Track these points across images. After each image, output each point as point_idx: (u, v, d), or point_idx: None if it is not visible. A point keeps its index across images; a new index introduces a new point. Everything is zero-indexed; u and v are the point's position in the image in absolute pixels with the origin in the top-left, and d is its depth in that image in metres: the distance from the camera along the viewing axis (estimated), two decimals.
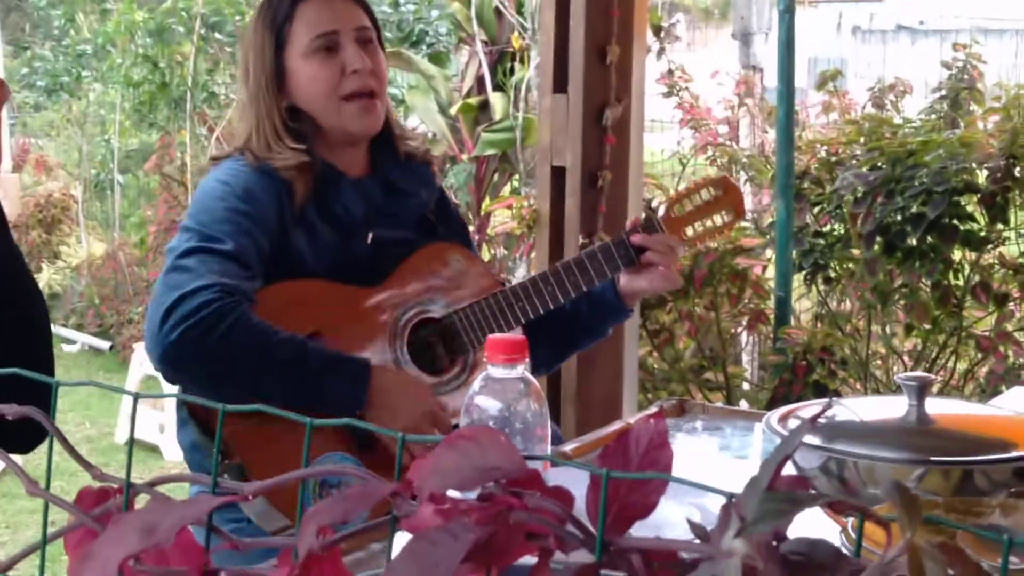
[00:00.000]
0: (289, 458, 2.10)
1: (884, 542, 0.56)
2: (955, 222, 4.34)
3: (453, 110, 6.65)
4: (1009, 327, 4.46)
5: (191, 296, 2.05)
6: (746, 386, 5.01)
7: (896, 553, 0.54)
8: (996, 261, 4.53)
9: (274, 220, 2.26)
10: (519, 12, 6.45)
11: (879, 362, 4.83)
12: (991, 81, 5.37)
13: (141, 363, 6.30)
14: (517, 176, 6.63)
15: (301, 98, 2.35)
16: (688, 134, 6.10)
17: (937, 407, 1.51)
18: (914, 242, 4.38)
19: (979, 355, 4.57)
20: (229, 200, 2.23)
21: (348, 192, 2.37)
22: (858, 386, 4.59)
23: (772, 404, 4.15)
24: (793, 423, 1.52)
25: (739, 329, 4.97)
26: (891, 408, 1.51)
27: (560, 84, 3.76)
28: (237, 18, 8.08)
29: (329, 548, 0.71)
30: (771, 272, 4.73)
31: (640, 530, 0.70)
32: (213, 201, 2.24)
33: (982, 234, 4.41)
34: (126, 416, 6.11)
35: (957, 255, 4.49)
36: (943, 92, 5.25)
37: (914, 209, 4.32)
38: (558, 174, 3.79)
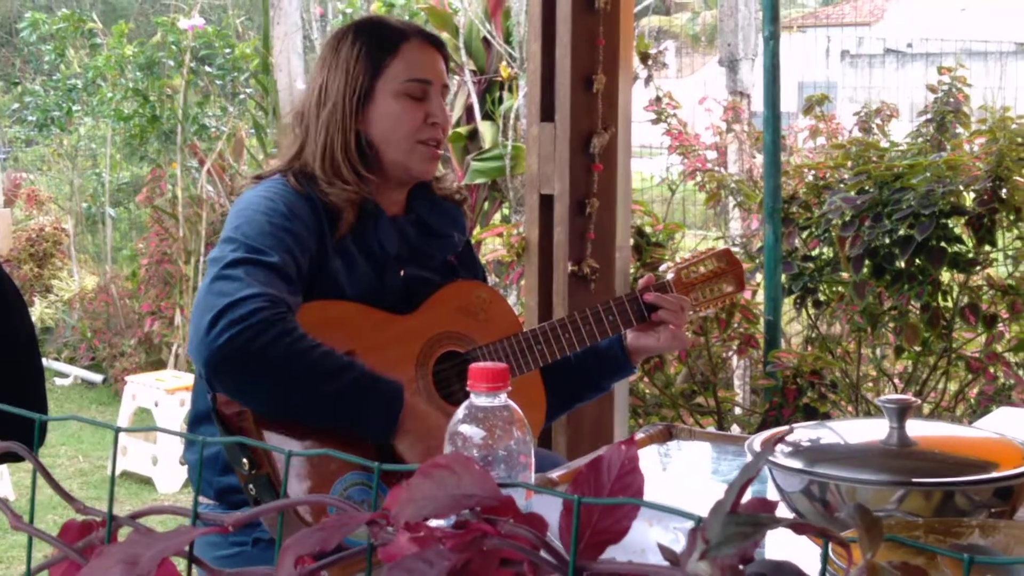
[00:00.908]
0: (319, 470, 2.12)
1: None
2: (943, 244, 4.36)
3: None
4: (998, 348, 4.48)
5: (241, 303, 2.08)
6: (738, 410, 5.02)
7: (857, 574, 0.55)
8: (984, 282, 4.54)
9: (314, 242, 2.30)
10: (507, 41, 6.48)
11: (870, 384, 4.85)
12: (977, 104, 5.39)
13: (133, 396, 6.30)
14: (507, 204, 6.64)
15: (377, 130, 2.41)
16: (677, 160, 6.13)
17: (918, 429, 1.53)
18: (902, 265, 4.39)
19: (969, 376, 4.58)
20: (273, 216, 2.27)
21: (385, 229, 2.42)
22: (849, 409, 4.61)
23: (763, 428, 4.15)
24: (778, 447, 1.54)
25: (729, 354, 4.99)
26: (873, 431, 1.52)
27: (547, 113, 3.79)
28: (227, 51, 8.11)
29: None
30: (760, 296, 4.74)
31: (623, 556, 0.71)
32: (257, 215, 2.27)
33: (970, 256, 4.42)
34: (119, 449, 6.11)
35: (945, 277, 4.51)
36: (929, 115, 5.27)
37: (902, 232, 4.34)
38: (546, 202, 3.81)
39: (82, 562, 0.79)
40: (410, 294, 2.44)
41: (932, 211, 4.24)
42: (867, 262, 4.42)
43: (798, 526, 0.56)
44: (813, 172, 4.90)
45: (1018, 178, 4.33)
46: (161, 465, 5.95)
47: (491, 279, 6.63)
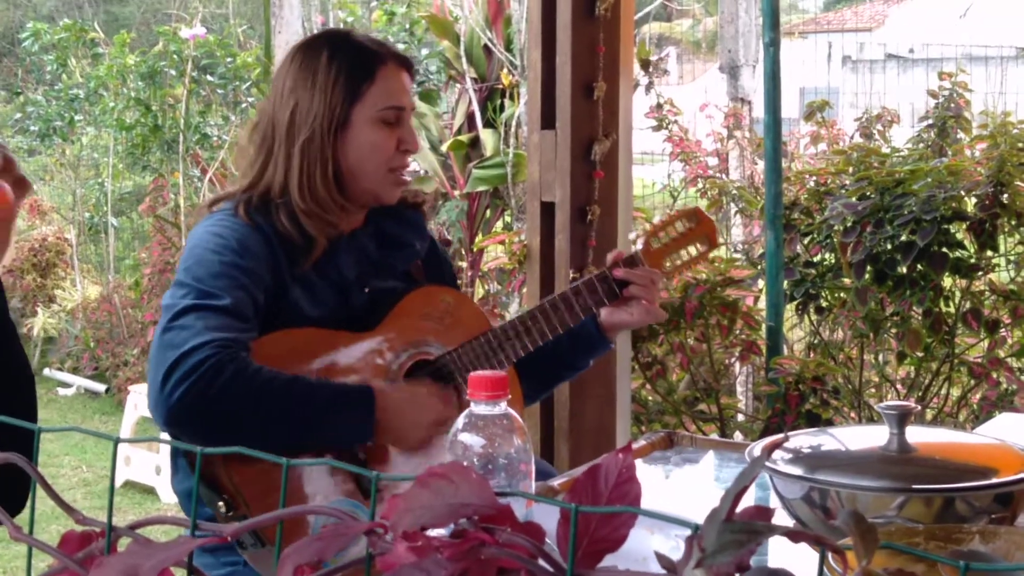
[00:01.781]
0: (295, 504, 2.11)
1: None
2: (944, 250, 4.36)
3: (444, 147, 6.68)
4: (1001, 353, 4.47)
5: (189, 354, 2.05)
6: (740, 417, 5.01)
7: None
8: (986, 288, 4.54)
9: (269, 275, 2.26)
10: (508, 49, 6.49)
11: (872, 390, 4.85)
12: (978, 109, 5.40)
13: (136, 405, 6.30)
14: (509, 211, 6.65)
15: (352, 157, 2.36)
16: (678, 167, 6.14)
17: (919, 435, 1.53)
18: (904, 270, 4.39)
19: (972, 382, 4.58)
20: (224, 254, 2.22)
21: (343, 251, 2.39)
22: (852, 415, 4.60)
23: (765, 434, 4.15)
24: (778, 454, 1.54)
25: (732, 360, 4.99)
26: (873, 437, 1.52)
27: (548, 120, 3.79)
28: (228, 60, 8.12)
29: None
30: (763, 303, 4.74)
31: (623, 564, 0.71)
32: (208, 254, 2.23)
33: (971, 261, 4.42)
34: (122, 459, 6.11)
35: (947, 282, 4.51)
36: (930, 121, 5.27)
37: (903, 237, 4.34)
38: (548, 210, 3.81)
39: (82, 573, 0.80)
40: (376, 308, 2.41)
41: (934, 216, 4.24)
42: (869, 268, 4.42)
43: (793, 533, 0.57)
44: (814, 178, 4.90)
45: (1019, 183, 4.33)
46: (164, 475, 5.94)
47: (493, 287, 6.64)
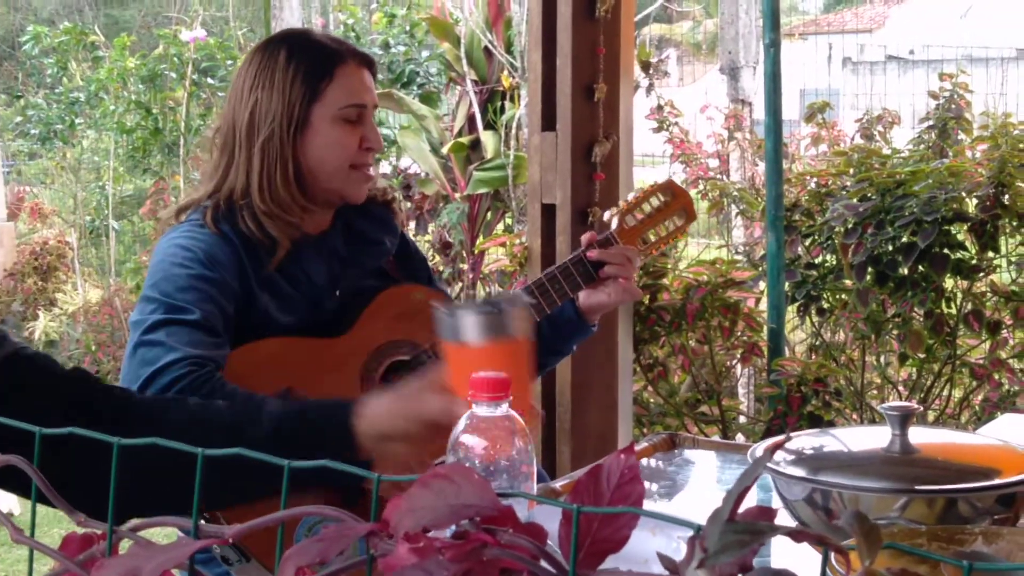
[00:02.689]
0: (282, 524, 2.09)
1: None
2: (946, 251, 4.35)
3: (445, 149, 6.68)
4: (1003, 354, 4.47)
5: (163, 372, 2.02)
6: (742, 419, 5.01)
7: None
8: (988, 289, 4.53)
9: (237, 284, 2.24)
10: (508, 51, 6.49)
11: (874, 392, 4.84)
12: (978, 110, 5.40)
13: None
14: (510, 213, 6.65)
15: (313, 157, 2.35)
16: (679, 168, 6.13)
17: (921, 436, 1.53)
18: (905, 271, 4.39)
19: (974, 383, 4.57)
20: (192, 267, 2.20)
21: (310, 255, 2.37)
22: (854, 416, 4.60)
23: (767, 436, 4.15)
24: (780, 455, 1.54)
25: (733, 362, 4.98)
26: (876, 438, 1.52)
27: (548, 122, 3.79)
28: (229, 63, 8.13)
29: None
30: (764, 304, 4.74)
31: (626, 565, 0.71)
32: (175, 268, 2.20)
33: (973, 262, 4.42)
34: None
35: (949, 284, 4.50)
36: (931, 122, 5.27)
37: (904, 239, 4.34)
38: (548, 211, 3.81)
39: (83, 575, 0.79)
40: (347, 310, 2.39)
41: (935, 218, 4.24)
42: (870, 269, 4.42)
43: (796, 534, 0.56)
44: (815, 179, 4.90)
45: (1021, 184, 4.32)
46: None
47: (494, 289, 6.63)
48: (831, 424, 4.21)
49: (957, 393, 4.72)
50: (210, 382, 2.03)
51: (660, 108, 5.95)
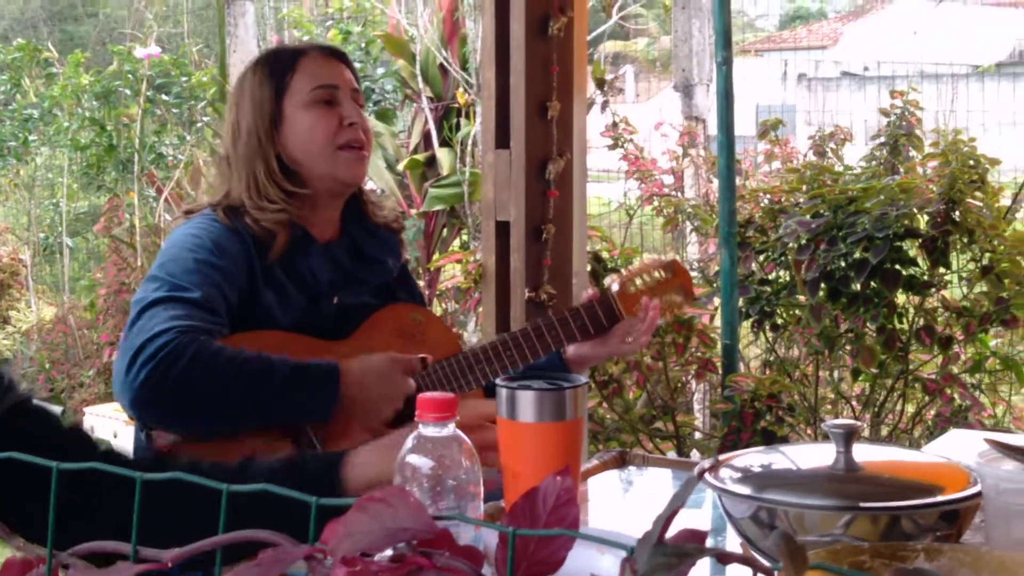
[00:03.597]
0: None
1: None
2: (897, 267, 4.39)
3: (401, 166, 6.68)
4: (954, 369, 4.50)
5: (155, 339, 2.09)
6: (698, 435, 5.03)
7: None
8: (939, 304, 4.57)
9: (243, 276, 2.31)
10: (464, 68, 6.50)
11: (828, 407, 4.87)
12: (929, 126, 5.45)
13: (91, 426, 6.26)
14: (466, 230, 6.66)
15: (296, 145, 2.42)
16: (634, 185, 6.16)
17: (865, 454, 1.54)
18: (858, 287, 4.42)
19: (926, 398, 4.61)
20: (199, 252, 2.28)
21: (316, 257, 2.43)
22: (808, 432, 4.62)
23: (722, 452, 4.16)
24: (726, 472, 1.55)
25: (688, 378, 5.00)
26: (821, 455, 1.53)
27: (502, 140, 3.80)
28: (184, 79, 8.09)
29: None
30: (718, 320, 4.76)
31: None
32: (183, 252, 2.29)
33: (924, 278, 4.45)
34: None
35: (901, 299, 4.54)
36: (883, 139, 5.32)
37: (857, 255, 4.37)
38: (503, 229, 3.82)
39: None
40: (346, 320, 2.44)
41: (886, 234, 4.27)
42: (823, 285, 4.44)
43: (723, 555, 0.57)
44: (768, 196, 4.93)
45: (971, 200, 4.37)
46: None
47: (449, 305, 6.63)
48: (785, 440, 4.23)
49: (910, 408, 4.76)
50: (196, 343, 2.10)
51: (615, 125, 5.97)
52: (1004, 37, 22.09)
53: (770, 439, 4.18)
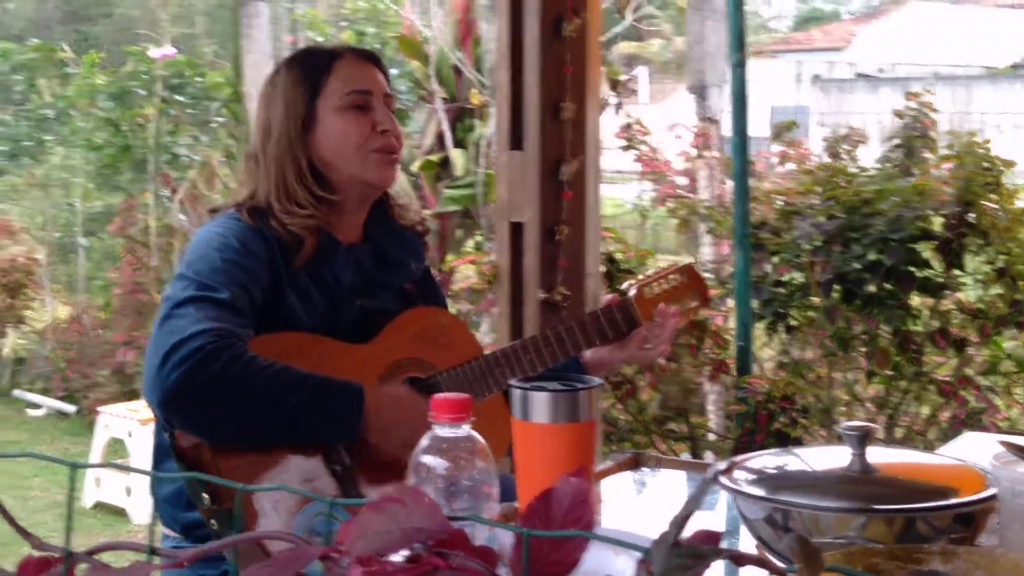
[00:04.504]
0: (284, 502, 2.11)
1: None
2: (912, 269, 4.38)
3: (414, 167, 6.69)
4: (969, 371, 4.50)
5: (188, 340, 2.08)
6: (711, 436, 5.03)
7: None
8: (954, 306, 4.56)
9: (267, 276, 2.30)
10: (477, 69, 6.51)
11: (843, 409, 4.86)
12: (944, 128, 5.43)
13: (106, 426, 6.28)
14: (479, 231, 6.66)
15: (328, 149, 2.40)
16: (648, 186, 6.15)
17: (880, 456, 1.54)
18: (872, 289, 4.41)
19: (941, 400, 4.60)
20: (226, 251, 2.27)
21: (340, 260, 2.42)
22: (822, 433, 4.62)
23: (736, 453, 4.16)
24: (741, 474, 1.55)
25: (701, 379, 5.00)
26: (836, 457, 1.53)
27: (516, 141, 3.80)
28: (198, 80, 8.12)
29: None
30: (732, 322, 4.76)
31: None
32: (210, 251, 2.28)
33: (939, 280, 4.45)
34: (92, 480, 6.08)
35: (915, 301, 4.53)
36: (897, 141, 5.30)
37: (871, 257, 4.36)
38: (517, 230, 3.82)
39: None
40: (367, 323, 2.44)
41: (901, 236, 4.27)
42: (837, 287, 4.44)
43: (738, 557, 0.57)
44: (782, 198, 4.92)
45: (985, 202, 4.36)
46: (135, 496, 5.92)
47: (463, 306, 6.63)
48: (799, 441, 4.23)
49: (924, 410, 4.75)
50: (230, 349, 2.10)
51: (628, 126, 5.96)
52: (1019, 39, 22.02)
53: (784, 441, 4.18)
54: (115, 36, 18.10)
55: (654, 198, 6.08)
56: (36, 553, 0.84)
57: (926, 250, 4.48)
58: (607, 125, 5.00)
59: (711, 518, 1.94)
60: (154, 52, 8.04)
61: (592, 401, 1.65)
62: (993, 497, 1.44)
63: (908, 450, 1.97)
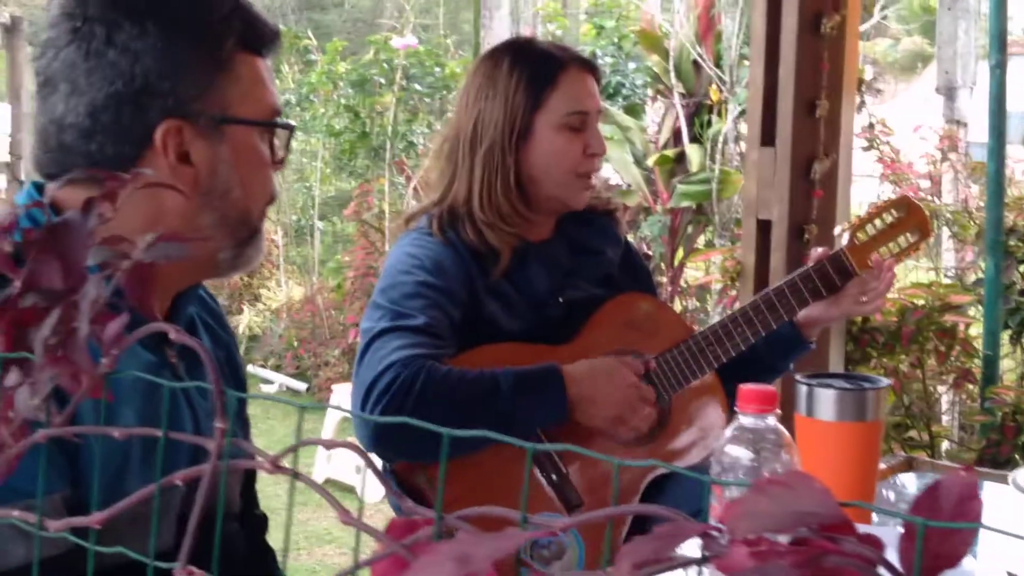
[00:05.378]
0: (496, 499, 2.14)
1: None
2: None
3: (649, 161, 6.68)
4: None
5: (382, 376, 2.11)
6: (946, 445, 4.90)
7: None
8: None
9: (464, 291, 2.29)
10: (717, 65, 6.47)
11: None
12: None
13: (339, 403, 6.43)
14: (711, 228, 6.62)
15: (537, 166, 2.36)
16: (888, 188, 6.03)
17: None
18: None
19: None
20: (418, 274, 2.27)
21: (535, 261, 2.40)
22: None
23: (979, 464, 4.05)
24: None
25: (945, 388, 4.87)
26: None
27: (768, 137, 3.77)
28: (437, 69, 8.25)
29: None
30: (975, 330, 4.63)
31: None
32: (402, 276, 2.28)
33: None
34: (324, 456, 6.25)
35: None
36: None
37: None
38: (763, 227, 3.80)
39: (411, 558, 0.82)
40: (574, 316, 2.41)
41: None
42: None
43: None
44: None
45: None
46: (364, 473, 6.05)
47: (692, 303, 6.61)
48: None
49: None
50: (424, 370, 2.11)
51: (871, 126, 5.85)
52: None
53: None
54: (345, 25, 18.52)
55: None
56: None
57: None
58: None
59: None
60: (396, 42, 8.20)
61: (879, 401, 1.63)
62: None
63: None
